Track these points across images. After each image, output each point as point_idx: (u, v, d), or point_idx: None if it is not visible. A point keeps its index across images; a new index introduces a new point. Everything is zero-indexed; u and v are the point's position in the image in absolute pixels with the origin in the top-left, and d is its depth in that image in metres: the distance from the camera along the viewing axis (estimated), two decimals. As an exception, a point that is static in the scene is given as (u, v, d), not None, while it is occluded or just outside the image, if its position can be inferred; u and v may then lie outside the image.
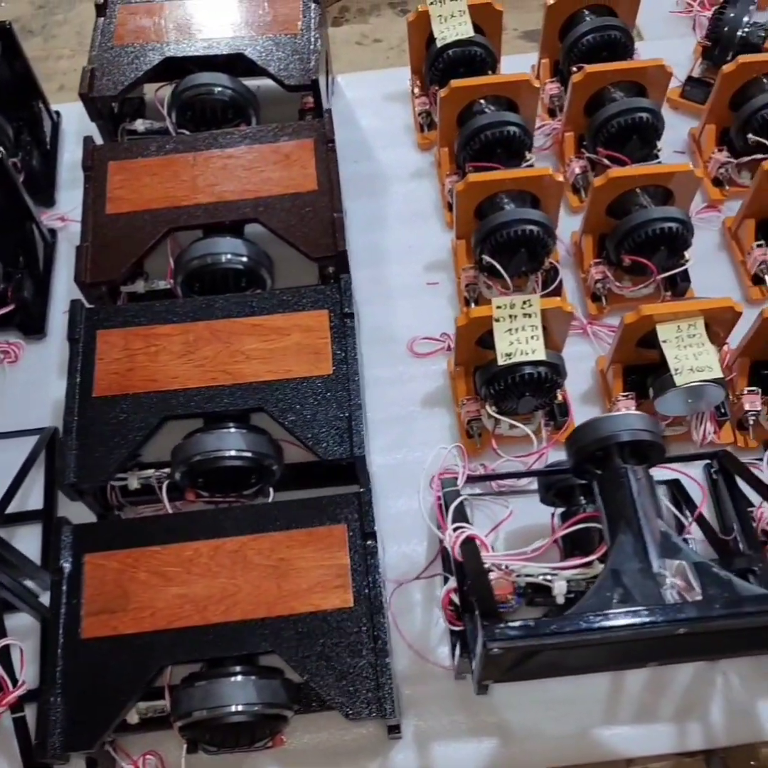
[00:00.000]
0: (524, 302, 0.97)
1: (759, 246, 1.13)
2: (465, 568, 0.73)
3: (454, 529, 0.75)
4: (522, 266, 1.08)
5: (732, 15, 1.22)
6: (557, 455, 0.98)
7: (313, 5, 1.22)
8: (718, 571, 0.67)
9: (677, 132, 1.32)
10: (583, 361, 1.12)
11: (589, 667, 0.79)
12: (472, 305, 1.12)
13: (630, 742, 0.92)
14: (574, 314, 1.14)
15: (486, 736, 0.91)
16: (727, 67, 1.16)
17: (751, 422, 1.03)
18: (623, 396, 1.03)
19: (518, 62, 1.39)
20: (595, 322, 1.14)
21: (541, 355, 0.96)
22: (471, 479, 0.88)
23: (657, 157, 1.17)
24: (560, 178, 1.07)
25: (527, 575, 0.76)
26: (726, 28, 1.22)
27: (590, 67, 1.16)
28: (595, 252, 1.14)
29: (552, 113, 1.30)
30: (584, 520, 0.78)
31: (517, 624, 0.62)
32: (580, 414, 1.09)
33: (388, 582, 0.97)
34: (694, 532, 0.93)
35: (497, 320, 0.97)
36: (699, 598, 0.65)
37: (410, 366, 1.13)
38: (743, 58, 1.15)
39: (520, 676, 0.75)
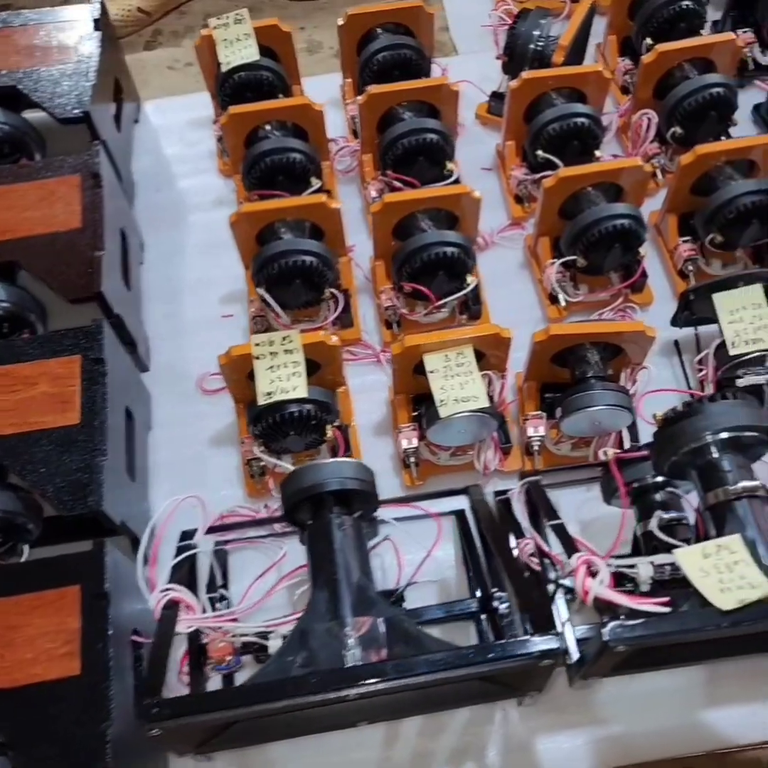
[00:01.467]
0: (284, 338, 0.94)
1: (552, 264, 1.11)
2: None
3: (161, 591, 0.72)
4: (300, 297, 1.05)
5: (523, 29, 1.19)
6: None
7: (95, 33, 1.18)
8: (408, 626, 0.64)
9: (487, 148, 1.29)
10: (378, 390, 1.09)
11: (315, 728, 0.76)
12: (261, 338, 1.09)
13: (404, 791, 0.89)
14: (365, 343, 1.12)
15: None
16: (513, 83, 1.14)
17: (536, 448, 1.01)
18: (405, 427, 1.01)
19: (330, 82, 1.36)
20: (389, 350, 1.11)
21: (302, 392, 0.93)
22: (213, 530, 0.84)
23: (449, 176, 1.14)
24: (335, 205, 1.04)
25: (242, 635, 0.72)
26: (519, 42, 1.20)
27: (375, 88, 1.13)
28: (388, 277, 1.12)
29: (355, 134, 1.27)
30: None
31: (172, 699, 0.58)
32: (372, 445, 1.06)
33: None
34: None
35: (257, 358, 0.94)
36: (383, 657, 0.62)
37: (199, 404, 1.09)
38: (527, 74, 1.13)
39: (238, 741, 0.71)
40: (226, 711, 0.58)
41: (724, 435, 0.72)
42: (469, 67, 1.36)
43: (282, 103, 1.12)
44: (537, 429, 1.00)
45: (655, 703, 0.90)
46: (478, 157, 1.28)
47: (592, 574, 0.67)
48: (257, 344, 0.93)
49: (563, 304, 1.11)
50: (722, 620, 0.61)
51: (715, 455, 0.72)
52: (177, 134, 1.33)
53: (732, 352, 0.99)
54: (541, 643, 0.61)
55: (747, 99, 1.32)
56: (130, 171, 1.27)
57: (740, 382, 0.98)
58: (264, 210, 1.04)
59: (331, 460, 0.74)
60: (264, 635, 0.72)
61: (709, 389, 1.02)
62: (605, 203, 1.05)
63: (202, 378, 1.10)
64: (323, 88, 1.35)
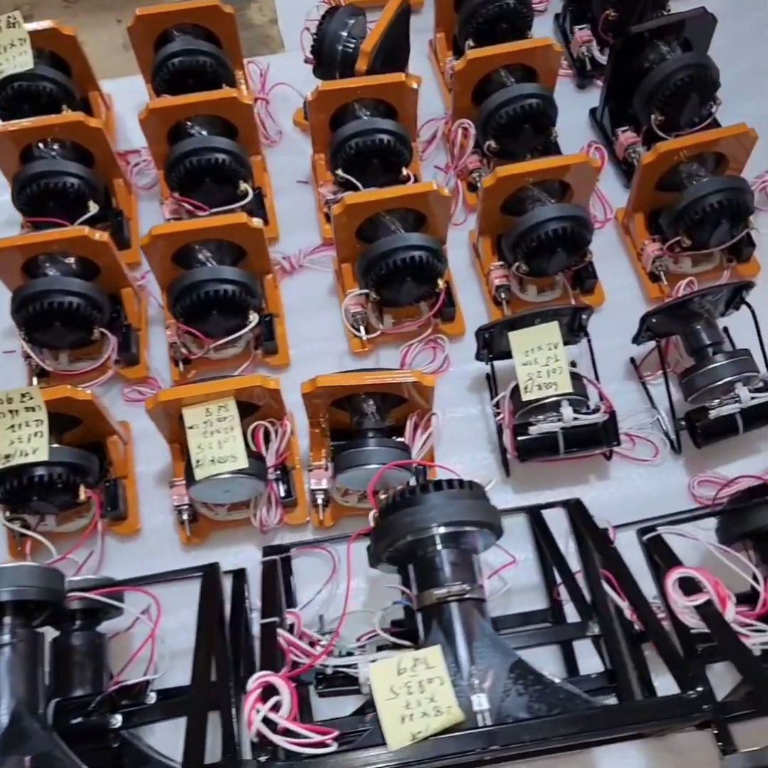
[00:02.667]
0: (23, 395, 0.86)
1: (349, 294, 1.02)
2: None
3: None
4: (64, 339, 0.96)
5: (329, 29, 1.09)
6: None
7: None
8: (58, 765, 0.58)
9: (305, 158, 1.19)
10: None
11: None
12: (35, 381, 1.01)
13: None
14: (154, 381, 1.04)
15: None
16: (309, 95, 1.05)
17: (320, 501, 0.94)
18: (177, 481, 0.93)
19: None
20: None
21: (42, 455, 0.85)
22: None
23: (244, 197, 1.05)
24: (99, 237, 0.95)
25: None
26: (325, 42, 1.10)
27: (155, 103, 1.03)
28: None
29: (159, 146, 1.17)
30: None
31: None
32: (153, 497, 0.99)
33: None
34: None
35: (-7, 417, 0.86)
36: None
37: (-31, 452, 1.02)
38: (324, 86, 1.04)
39: None
40: None
41: (442, 529, 0.66)
42: (297, 65, 1.25)
43: (52, 120, 1.02)
44: (320, 481, 0.93)
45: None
46: (295, 168, 1.19)
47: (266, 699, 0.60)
48: (-7, 403, 0.85)
49: (364, 337, 1.03)
50: (389, 759, 0.55)
51: (429, 551, 0.66)
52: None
53: (525, 397, 0.92)
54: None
55: (587, 100, 1.23)
56: None
57: (533, 430, 0.92)
58: (23, 245, 0.94)
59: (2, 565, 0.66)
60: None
61: (507, 436, 0.95)
62: (401, 232, 0.97)
63: (-32, 424, 1.02)
64: (137, 90, 1.24)
